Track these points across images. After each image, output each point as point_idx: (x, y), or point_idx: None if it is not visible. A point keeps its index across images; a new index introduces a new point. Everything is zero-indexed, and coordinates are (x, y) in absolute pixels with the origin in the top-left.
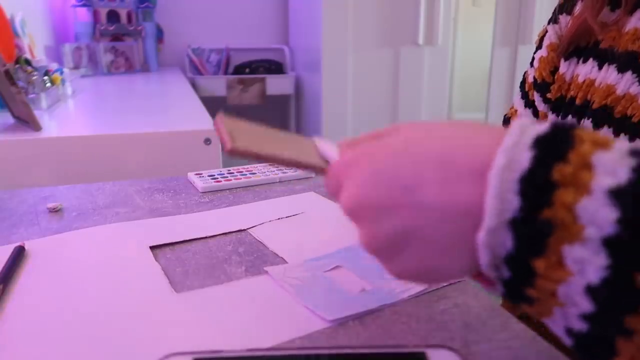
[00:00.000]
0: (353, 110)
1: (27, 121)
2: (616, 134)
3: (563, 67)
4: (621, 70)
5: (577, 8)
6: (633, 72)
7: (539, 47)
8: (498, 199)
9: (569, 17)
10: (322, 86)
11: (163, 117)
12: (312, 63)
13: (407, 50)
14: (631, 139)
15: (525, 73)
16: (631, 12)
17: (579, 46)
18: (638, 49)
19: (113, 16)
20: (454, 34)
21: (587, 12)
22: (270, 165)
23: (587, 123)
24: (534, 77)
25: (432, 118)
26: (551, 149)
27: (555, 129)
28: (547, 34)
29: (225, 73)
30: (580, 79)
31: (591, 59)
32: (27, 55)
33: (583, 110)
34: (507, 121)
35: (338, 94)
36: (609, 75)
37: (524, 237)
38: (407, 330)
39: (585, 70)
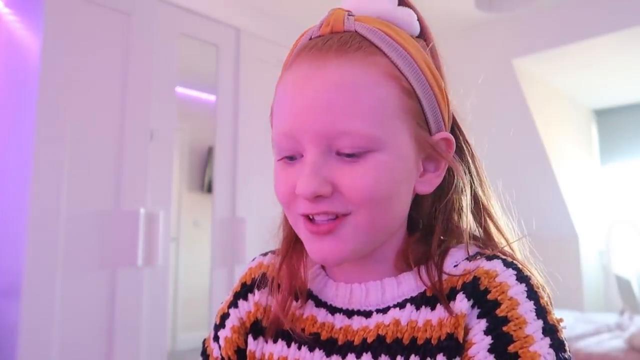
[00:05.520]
0: (59, 343)
1: None
2: None
3: (252, 345)
4: (311, 349)
5: (256, 297)
6: (320, 349)
7: (221, 325)
8: None
9: (245, 303)
10: (21, 315)
11: None
12: (8, 287)
13: (125, 272)
14: None
15: (205, 344)
16: (306, 301)
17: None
18: (317, 330)
19: None
20: (176, 255)
21: (278, 310)
22: None
23: None
24: (222, 356)
25: (154, 340)
26: None
27: None
28: (230, 317)
29: None
30: (275, 357)
31: (280, 339)
32: None
33: None
34: None
35: (41, 323)
36: (302, 353)
37: None
38: None
39: (277, 349)
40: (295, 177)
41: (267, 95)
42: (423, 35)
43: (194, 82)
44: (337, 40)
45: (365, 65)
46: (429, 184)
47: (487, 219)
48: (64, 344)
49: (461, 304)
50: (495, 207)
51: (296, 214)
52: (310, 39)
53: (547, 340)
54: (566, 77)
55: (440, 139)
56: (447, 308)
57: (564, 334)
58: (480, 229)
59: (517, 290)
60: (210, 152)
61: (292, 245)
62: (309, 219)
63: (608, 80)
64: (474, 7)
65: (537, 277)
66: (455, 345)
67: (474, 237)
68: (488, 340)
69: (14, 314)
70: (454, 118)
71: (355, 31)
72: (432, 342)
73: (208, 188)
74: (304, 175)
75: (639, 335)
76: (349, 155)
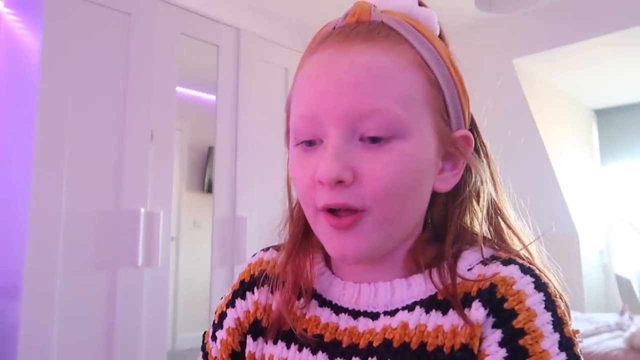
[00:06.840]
0: (59, 342)
1: None
2: None
3: (251, 346)
4: (314, 352)
5: (255, 296)
6: (323, 351)
7: (219, 325)
8: None
9: (243, 302)
10: (21, 315)
11: None
12: (8, 287)
13: (125, 271)
14: None
15: (205, 340)
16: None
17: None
18: (320, 331)
19: None
20: (176, 254)
21: (282, 308)
22: None
23: None
24: (217, 358)
25: (154, 339)
26: None
27: None
28: (227, 317)
29: None
30: (275, 359)
31: (280, 340)
32: None
33: None
34: None
35: (41, 323)
36: (304, 356)
37: None
38: None
39: (277, 350)
40: (316, 163)
41: (267, 95)
42: (441, 38)
43: (194, 82)
44: (364, 28)
45: (392, 52)
46: (446, 182)
47: (502, 221)
48: (64, 344)
49: (477, 312)
50: (509, 210)
51: (314, 208)
52: (334, 29)
53: (563, 355)
54: (566, 77)
55: (460, 136)
56: (462, 315)
57: (579, 348)
58: (493, 231)
59: (535, 300)
60: (210, 152)
61: (299, 242)
62: (331, 212)
63: (608, 80)
64: (474, 7)
65: (555, 284)
66: (469, 357)
67: (487, 239)
68: (502, 353)
69: (14, 314)
70: (472, 118)
71: (382, 22)
72: (445, 350)
73: (208, 188)
74: (326, 159)
75: (639, 335)
76: (373, 140)
